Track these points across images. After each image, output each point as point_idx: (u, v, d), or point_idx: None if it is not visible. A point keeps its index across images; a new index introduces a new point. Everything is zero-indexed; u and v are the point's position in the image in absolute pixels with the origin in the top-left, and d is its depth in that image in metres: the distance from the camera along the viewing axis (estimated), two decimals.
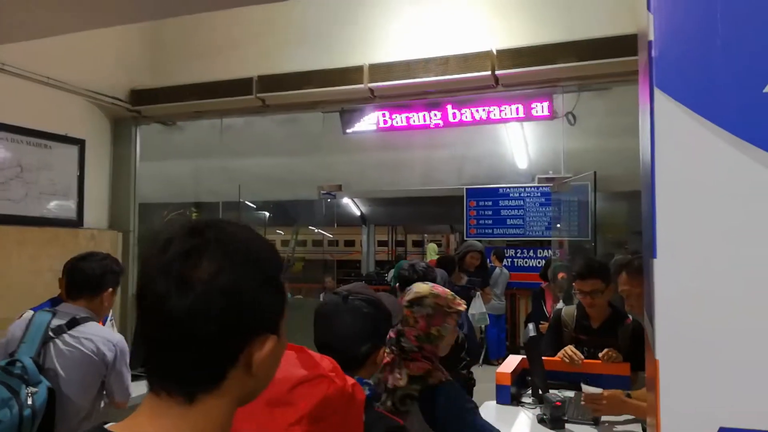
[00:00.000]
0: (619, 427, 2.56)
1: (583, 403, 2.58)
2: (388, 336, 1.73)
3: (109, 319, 3.89)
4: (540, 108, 4.78)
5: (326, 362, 1.21)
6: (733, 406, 0.88)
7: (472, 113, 5.02)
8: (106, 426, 0.77)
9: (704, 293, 0.90)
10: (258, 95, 5.25)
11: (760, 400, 0.87)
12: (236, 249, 0.78)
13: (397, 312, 1.82)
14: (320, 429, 1.12)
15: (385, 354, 1.85)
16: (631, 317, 3.20)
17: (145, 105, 5.84)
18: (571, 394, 2.97)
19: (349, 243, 19.45)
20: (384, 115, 5.33)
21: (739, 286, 0.89)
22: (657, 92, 0.93)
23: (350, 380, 1.22)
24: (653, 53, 0.94)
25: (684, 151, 0.91)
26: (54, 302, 3.65)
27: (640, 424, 2.57)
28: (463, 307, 2.16)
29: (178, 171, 6.65)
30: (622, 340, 3.15)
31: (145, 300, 0.77)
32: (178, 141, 6.39)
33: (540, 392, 2.82)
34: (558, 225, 5.88)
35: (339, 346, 1.49)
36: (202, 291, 0.73)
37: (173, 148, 6.46)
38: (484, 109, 4.96)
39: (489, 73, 4.53)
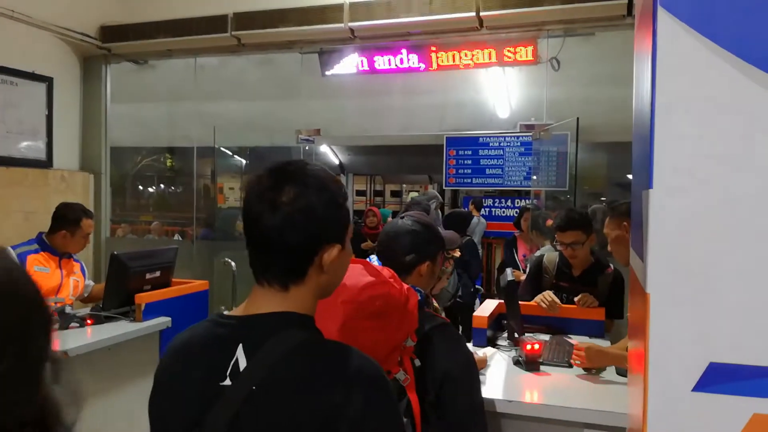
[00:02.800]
0: (593, 370, 2.59)
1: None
2: (443, 260, 2.01)
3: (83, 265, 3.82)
4: (524, 52, 4.68)
5: (386, 271, 1.51)
6: (724, 341, 0.85)
7: (455, 56, 4.89)
8: (224, 312, 1.11)
9: (700, 224, 0.86)
10: (233, 33, 5.06)
11: (752, 334, 0.85)
12: (310, 180, 1.05)
13: (452, 240, 2.16)
14: (384, 322, 1.41)
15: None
16: (612, 266, 3.21)
17: (116, 42, 5.61)
18: (546, 337, 3.00)
19: None
20: (365, 57, 5.18)
21: (736, 217, 0.84)
22: (661, 12, 0.87)
23: (405, 285, 1.50)
24: None
25: (687, 75, 0.85)
26: (38, 239, 3.59)
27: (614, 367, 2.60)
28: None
29: (150, 113, 6.43)
30: (602, 288, 3.17)
31: (247, 219, 1.06)
32: (151, 81, 6.17)
33: (516, 335, 2.84)
34: (535, 177, 5.86)
35: (388, 253, 1.83)
36: (287, 211, 1.02)
37: (145, 89, 6.24)
38: (467, 53, 4.84)
39: (473, 14, 4.41)
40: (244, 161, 10.26)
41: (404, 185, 20.40)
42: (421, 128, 6.04)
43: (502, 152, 6.29)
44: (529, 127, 5.16)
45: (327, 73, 5.32)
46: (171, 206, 8.49)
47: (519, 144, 6.10)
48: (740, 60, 0.84)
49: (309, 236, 1.04)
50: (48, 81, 5.29)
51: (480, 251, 8.50)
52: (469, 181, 6.62)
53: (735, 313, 0.85)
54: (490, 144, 6.29)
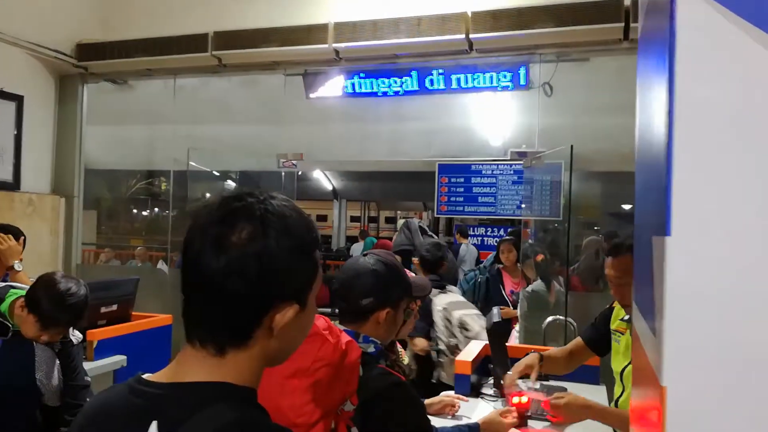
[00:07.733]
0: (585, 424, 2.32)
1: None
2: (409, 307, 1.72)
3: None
4: (515, 77, 4.48)
5: (321, 321, 1.31)
6: None
7: (443, 80, 4.69)
8: (143, 376, 0.86)
9: (742, 290, 0.60)
10: (214, 53, 4.86)
11: None
12: (272, 218, 0.83)
13: (422, 287, 1.85)
14: (313, 381, 1.23)
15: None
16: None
17: (93, 61, 5.40)
18: (536, 385, 2.72)
19: (322, 218, 19.41)
20: (350, 80, 4.98)
21: None
22: None
23: (345, 338, 1.31)
24: None
25: (719, 72, 0.60)
26: None
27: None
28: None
29: (128, 134, 6.21)
30: None
31: (185, 256, 0.84)
32: (129, 102, 5.95)
33: (502, 383, 2.56)
34: (526, 204, 5.65)
35: (344, 294, 1.59)
36: (235, 253, 0.80)
37: (123, 110, 6.02)
38: (456, 77, 4.64)
39: (463, 36, 4.23)
40: (233, 184, 10.05)
41: (399, 212, 20.29)
42: (409, 154, 5.83)
43: (494, 180, 6.10)
44: (521, 155, 4.94)
45: (311, 95, 5.11)
46: (146, 231, 8.23)
47: (512, 172, 5.92)
48: None
49: (260, 289, 0.81)
50: (18, 99, 5.06)
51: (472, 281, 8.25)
52: (461, 209, 6.44)
53: None
54: (483, 171, 6.11)
